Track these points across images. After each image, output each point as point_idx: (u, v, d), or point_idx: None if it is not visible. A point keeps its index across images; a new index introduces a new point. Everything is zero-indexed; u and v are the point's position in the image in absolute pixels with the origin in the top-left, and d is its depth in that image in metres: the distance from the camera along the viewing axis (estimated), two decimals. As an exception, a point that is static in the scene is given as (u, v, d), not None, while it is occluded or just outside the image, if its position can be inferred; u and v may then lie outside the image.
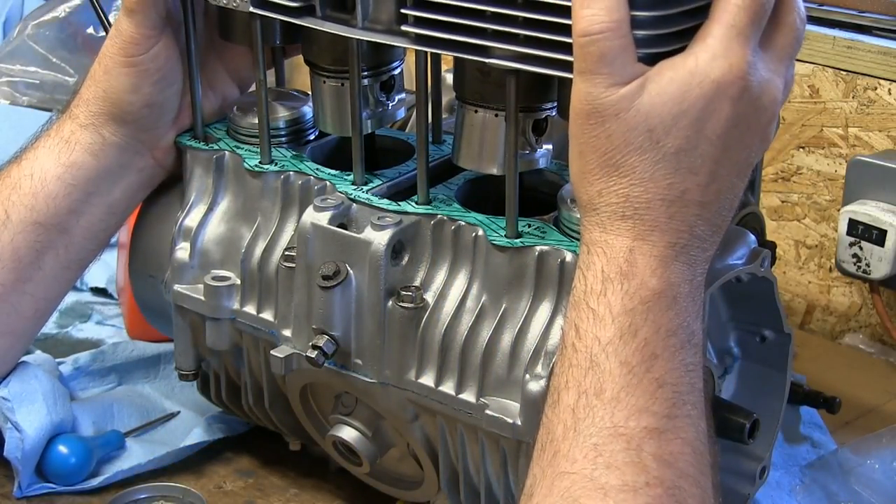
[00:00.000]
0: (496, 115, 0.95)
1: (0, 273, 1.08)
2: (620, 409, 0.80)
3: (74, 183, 1.08)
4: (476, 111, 0.96)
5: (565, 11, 0.85)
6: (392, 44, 0.95)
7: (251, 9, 1.01)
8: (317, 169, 1.05)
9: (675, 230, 0.83)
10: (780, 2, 0.85)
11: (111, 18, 1.23)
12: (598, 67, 0.81)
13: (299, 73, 1.23)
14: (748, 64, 0.82)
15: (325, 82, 1.05)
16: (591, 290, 0.83)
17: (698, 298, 0.85)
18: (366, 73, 1.02)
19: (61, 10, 1.80)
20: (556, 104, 0.95)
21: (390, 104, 1.06)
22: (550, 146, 0.98)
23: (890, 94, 1.38)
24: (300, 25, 1.00)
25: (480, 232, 0.96)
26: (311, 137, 1.11)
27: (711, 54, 0.82)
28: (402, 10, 0.93)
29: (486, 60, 0.90)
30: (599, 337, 0.82)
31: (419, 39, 0.93)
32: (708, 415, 0.85)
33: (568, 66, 0.85)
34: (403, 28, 0.93)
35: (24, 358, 1.16)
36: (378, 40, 0.96)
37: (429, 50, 0.95)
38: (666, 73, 0.82)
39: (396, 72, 1.06)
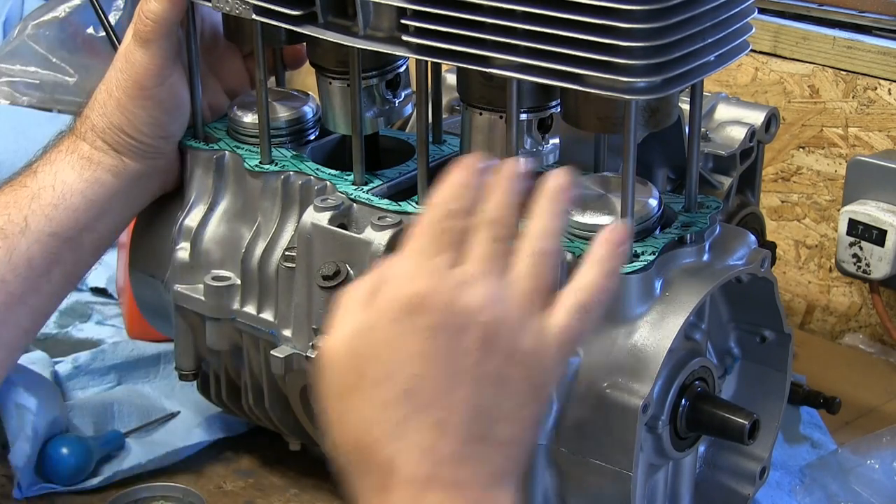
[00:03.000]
0: (500, 118, 0.95)
1: (14, 281, 1.07)
2: None
3: (94, 199, 1.08)
4: (481, 114, 0.96)
5: (565, 23, 0.85)
6: (393, 53, 0.95)
7: (253, 16, 1.01)
8: (317, 169, 1.05)
9: (406, 462, 0.78)
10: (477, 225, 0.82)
11: (111, 18, 1.23)
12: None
13: (299, 72, 1.23)
14: (429, 275, 0.79)
15: (331, 83, 1.05)
16: None
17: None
18: (371, 74, 1.03)
19: (61, 10, 1.80)
20: (559, 102, 0.96)
21: (397, 101, 1.06)
22: (557, 139, 0.99)
23: (890, 94, 1.38)
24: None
25: (481, 232, 0.96)
26: (312, 137, 1.11)
27: (391, 280, 0.80)
28: (403, 21, 0.92)
29: (487, 70, 0.90)
30: None
31: (420, 49, 0.93)
32: None
33: (568, 77, 0.85)
34: (404, 38, 0.93)
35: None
36: (379, 49, 0.96)
37: (429, 59, 0.95)
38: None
39: (402, 69, 1.06)
